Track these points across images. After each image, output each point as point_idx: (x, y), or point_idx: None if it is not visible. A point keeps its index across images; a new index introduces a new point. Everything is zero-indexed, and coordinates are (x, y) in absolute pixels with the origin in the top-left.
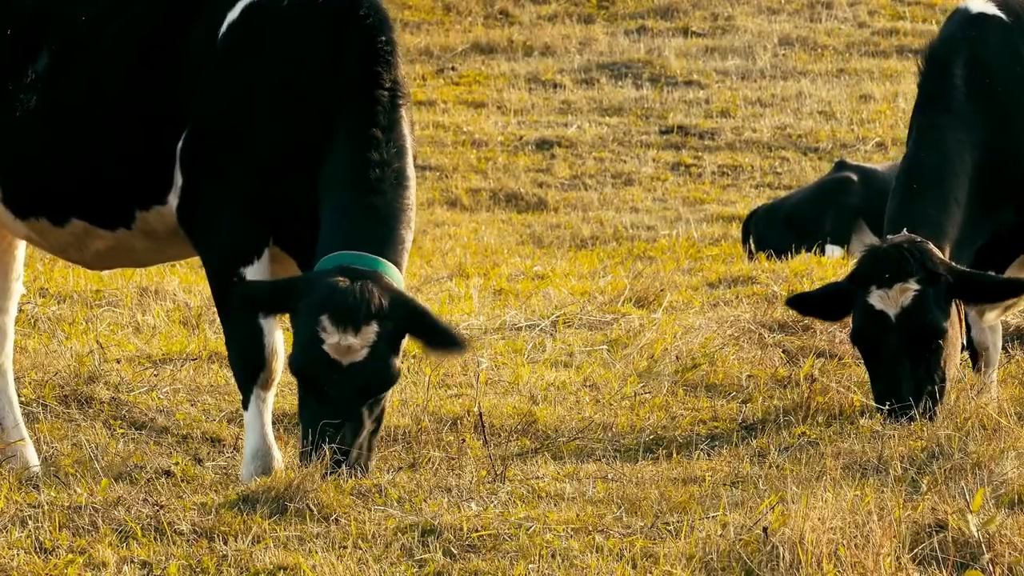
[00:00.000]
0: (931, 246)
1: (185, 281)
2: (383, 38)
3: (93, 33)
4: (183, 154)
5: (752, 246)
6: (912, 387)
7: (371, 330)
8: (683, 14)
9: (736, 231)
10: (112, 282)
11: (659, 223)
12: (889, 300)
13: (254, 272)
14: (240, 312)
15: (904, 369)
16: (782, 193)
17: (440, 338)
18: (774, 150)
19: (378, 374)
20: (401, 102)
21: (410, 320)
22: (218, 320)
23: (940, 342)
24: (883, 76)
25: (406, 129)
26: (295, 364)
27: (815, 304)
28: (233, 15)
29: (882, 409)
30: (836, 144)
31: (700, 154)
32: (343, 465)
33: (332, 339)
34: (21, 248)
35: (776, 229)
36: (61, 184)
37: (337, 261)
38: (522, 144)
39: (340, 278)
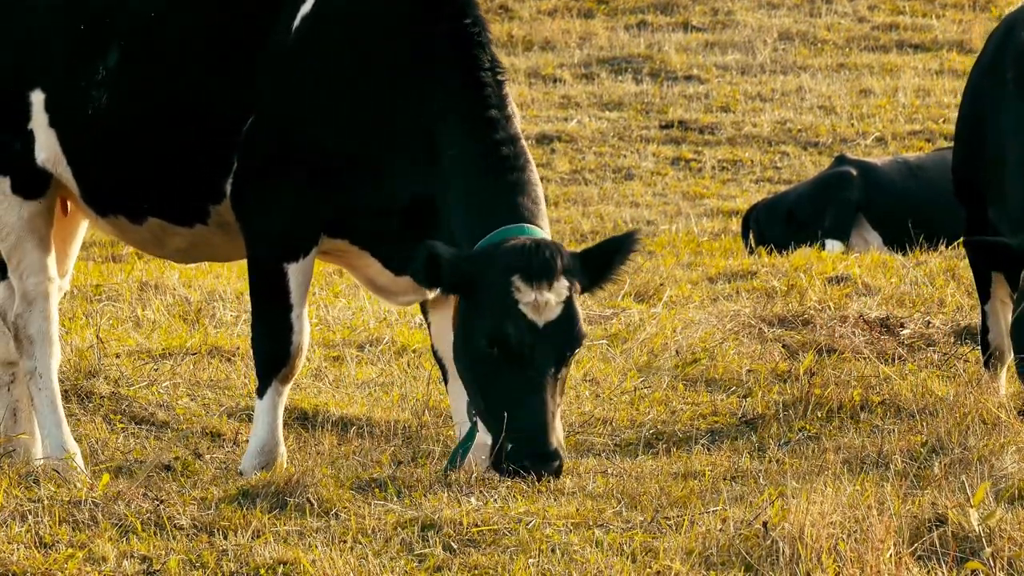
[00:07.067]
0: None
1: (185, 276)
2: (470, 19)
3: (162, 27)
4: (244, 141)
5: (752, 241)
6: None
7: (563, 285)
8: (683, 9)
9: (736, 226)
10: (112, 277)
11: (659, 218)
12: None
13: (298, 268)
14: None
15: None
16: (782, 188)
17: (622, 252)
18: (774, 145)
19: (573, 331)
20: (503, 78)
21: (593, 266)
22: (218, 315)
23: None
24: (883, 71)
25: (512, 106)
26: (490, 333)
27: (987, 249)
28: (307, 7)
29: None
30: (836, 139)
31: (700, 149)
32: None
33: (528, 297)
34: (76, 245)
35: (776, 224)
36: (136, 183)
37: (506, 235)
38: None
39: (524, 240)
